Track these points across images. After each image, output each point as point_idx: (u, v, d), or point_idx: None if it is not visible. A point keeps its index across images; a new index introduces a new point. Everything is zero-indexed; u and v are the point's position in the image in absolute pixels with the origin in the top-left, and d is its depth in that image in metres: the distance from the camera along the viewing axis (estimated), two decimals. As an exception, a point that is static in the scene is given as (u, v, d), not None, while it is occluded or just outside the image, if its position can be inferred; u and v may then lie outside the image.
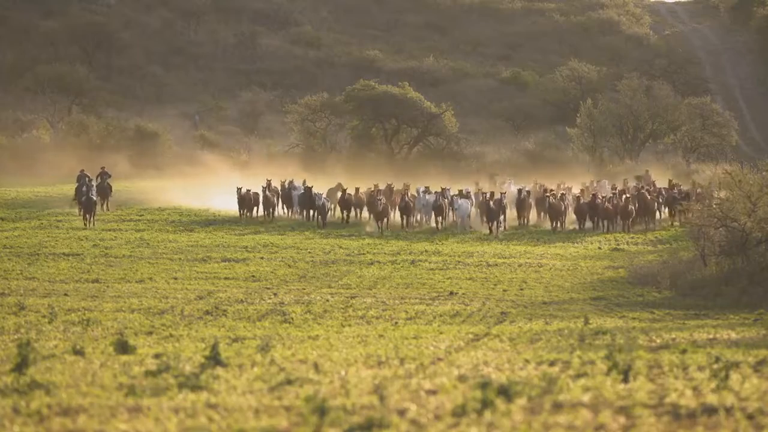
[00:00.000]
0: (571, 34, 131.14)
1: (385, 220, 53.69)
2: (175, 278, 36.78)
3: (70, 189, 58.63)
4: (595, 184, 61.97)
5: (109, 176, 59.23)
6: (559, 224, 54.20)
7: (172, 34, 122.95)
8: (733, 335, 24.89)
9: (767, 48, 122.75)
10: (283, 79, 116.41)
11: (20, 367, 17.17)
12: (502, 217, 53.53)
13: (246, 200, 56.64)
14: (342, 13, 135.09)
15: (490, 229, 52.54)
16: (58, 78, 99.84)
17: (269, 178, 59.08)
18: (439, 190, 56.35)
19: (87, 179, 56.16)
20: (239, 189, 56.51)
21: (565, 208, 54.74)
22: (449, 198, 55.37)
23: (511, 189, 58.87)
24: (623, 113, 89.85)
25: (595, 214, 53.76)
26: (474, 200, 56.49)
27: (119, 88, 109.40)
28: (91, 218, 52.87)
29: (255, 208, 56.93)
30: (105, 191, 58.38)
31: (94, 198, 53.50)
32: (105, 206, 58.04)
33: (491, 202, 52.75)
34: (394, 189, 58.03)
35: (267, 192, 57.39)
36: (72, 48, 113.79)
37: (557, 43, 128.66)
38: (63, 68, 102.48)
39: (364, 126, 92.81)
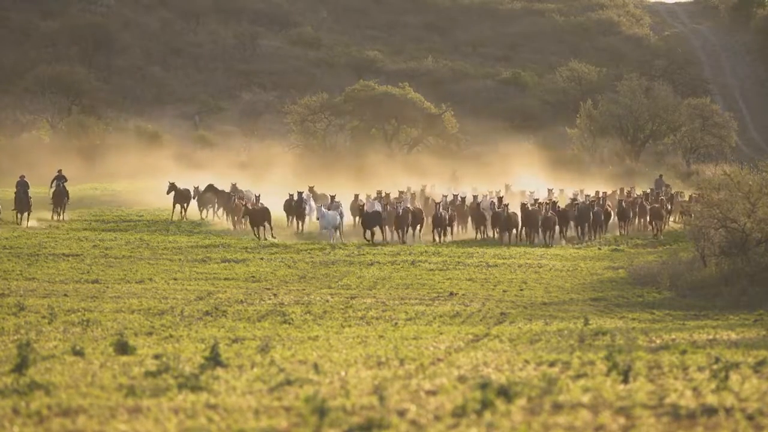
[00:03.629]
0: (571, 34, 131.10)
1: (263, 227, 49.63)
2: (175, 279, 36.76)
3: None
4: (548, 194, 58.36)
5: (65, 180, 55.12)
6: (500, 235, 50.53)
7: (171, 34, 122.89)
8: (733, 336, 24.89)
9: (767, 48, 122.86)
10: (282, 80, 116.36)
11: (20, 367, 17.17)
12: (417, 225, 50.50)
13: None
14: (341, 14, 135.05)
15: (403, 240, 49.44)
16: (58, 78, 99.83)
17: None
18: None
19: (26, 186, 52.52)
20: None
21: (511, 218, 49.81)
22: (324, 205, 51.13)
23: (448, 194, 55.41)
24: (623, 114, 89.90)
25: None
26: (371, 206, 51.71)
27: (119, 89, 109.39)
28: (25, 217, 50.91)
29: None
30: (62, 197, 54.32)
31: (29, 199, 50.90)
32: (62, 214, 54.47)
33: (400, 210, 49.41)
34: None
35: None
36: (72, 48, 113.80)
37: (557, 44, 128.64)
38: (63, 69, 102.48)
39: (364, 127, 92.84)
